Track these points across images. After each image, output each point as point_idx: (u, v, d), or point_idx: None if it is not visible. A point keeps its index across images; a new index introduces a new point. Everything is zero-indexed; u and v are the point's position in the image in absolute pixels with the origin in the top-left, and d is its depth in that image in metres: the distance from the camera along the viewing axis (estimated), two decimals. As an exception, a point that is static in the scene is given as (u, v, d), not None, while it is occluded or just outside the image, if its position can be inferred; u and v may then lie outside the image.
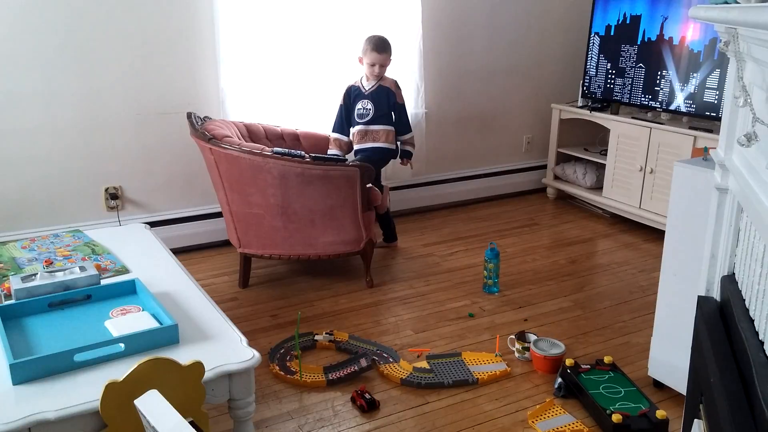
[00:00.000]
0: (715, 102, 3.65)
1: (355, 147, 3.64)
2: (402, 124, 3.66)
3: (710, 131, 3.61)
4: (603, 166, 4.37)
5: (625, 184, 4.17)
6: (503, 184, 4.89)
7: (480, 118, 4.66)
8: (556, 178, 4.79)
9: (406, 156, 3.73)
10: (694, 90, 3.76)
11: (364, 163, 3.16)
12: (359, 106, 3.58)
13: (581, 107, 4.50)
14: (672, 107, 3.92)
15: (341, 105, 3.66)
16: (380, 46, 3.48)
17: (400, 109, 3.63)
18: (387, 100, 3.58)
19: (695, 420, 1.47)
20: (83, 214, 3.51)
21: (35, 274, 2.01)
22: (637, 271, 3.59)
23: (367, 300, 3.23)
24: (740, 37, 1.39)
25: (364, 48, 3.51)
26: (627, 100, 4.21)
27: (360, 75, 3.64)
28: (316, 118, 3.90)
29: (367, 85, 3.57)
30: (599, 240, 4.08)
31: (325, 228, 3.15)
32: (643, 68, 4.08)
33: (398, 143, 3.69)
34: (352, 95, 3.62)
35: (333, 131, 3.68)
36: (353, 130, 3.63)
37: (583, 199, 4.63)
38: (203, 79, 3.65)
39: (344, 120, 3.66)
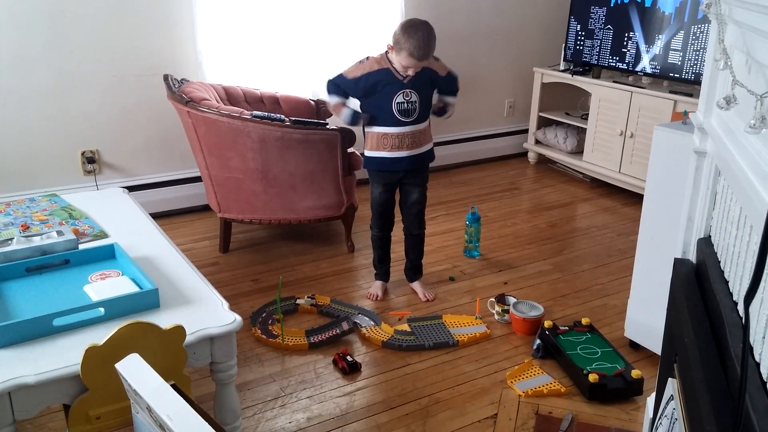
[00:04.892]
0: (678, 63, 3.75)
1: (392, 155, 2.72)
2: (451, 90, 2.84)
3: (690, 95, 3.63)
4: (584, 130, 4.38)
5: (605, 149, 4.19)
6: (485, 149, 4.89)
7: (462, 82, 4.58)
8: (537, 142, 4.79)
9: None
10: (660, 51, 3.84)
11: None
12: (399, 99, 2.63)
13: (563, 71, 4.49)
14: (638, 68, 3.98)
15: (336, 88, 2.70)
16: (424, 54, 2.54)
17: (448, 77, 2.79)
18: (430, 83, 2.73)
19: (669, 379, 1.50)
20: (60, 179, 3.46)
21: (12, 239, 1.98)
22: (615, 234, 3.64)
23: (348, 264, 3.24)
24: (722, 0, 1.39)
25: (399, 42, 2.54)
26: (596, 62, 4.26)
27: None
28: (297, 81, 3.84)
29: (403, 71, 2.63)
30: (579, 204, 4.11)
31: (306, 192, 3.13)
32: (611, 30, 4.12)
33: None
34: (381, 83, 2.64)
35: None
36: (388, 130, 2.69)
37: (564, 164, 4.65)
38: (180, 41, 3.57)
39: (371, 113, 2.71)
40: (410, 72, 2.60)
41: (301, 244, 3.44)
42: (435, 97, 2.80)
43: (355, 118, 2.72)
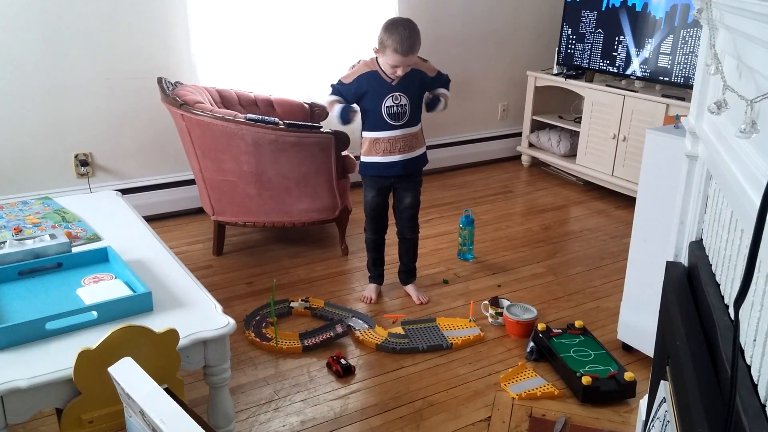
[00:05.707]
0: (668, 67, 3.78)
1: (384, 159, 2.70)
2: (444, 83, 2.79)
3: (682, 99, 3.65)
4: (577, 133, 4.39)
5: (598, 152, 4.21)
6: (478, 152, 4.90)
7: (456, 85, 4.58)
8: (531, 145, 4.81)
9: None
10: (650, 55, 3.88)
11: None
12: (388, 102, 2.61)
13: (556, 74, 4.51)
14: (629, 72, 4.02)
15: (337, 92, 2.67)
16: (408, 48, 2.51)
17: (437, 77, 2.76)
18: (421, 85, 2.70)
19: (662, 381, 1.51)
20: (53, 181, 3.45)
21: (4, 242, 1.98)
22: (608, 237, 3.65)
23: (342, 267, 3.24)
24: (713, 5, 1.40)
25: (383, 41, 2.54)
26: (587, 65, 4.30)
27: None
28: (291, 85, 3.85)
29: (392, 72, 2.60)
30: (572, 207, 4.13)
31: (300, 195, 3.14)
32: (602, 33, 4.16)
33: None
34: (370, 87, 2.62)
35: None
36: (379, 135, 2.67)
37: (557, 167, 4.67)
38: (174, 43, 3.57)
39: (364, 117, 2.71)
40: (399, 72, 2.57)
41: (295, 247, 3.43)
42: (425, 96, 2.77)
43: (345, 113, 2.66)
